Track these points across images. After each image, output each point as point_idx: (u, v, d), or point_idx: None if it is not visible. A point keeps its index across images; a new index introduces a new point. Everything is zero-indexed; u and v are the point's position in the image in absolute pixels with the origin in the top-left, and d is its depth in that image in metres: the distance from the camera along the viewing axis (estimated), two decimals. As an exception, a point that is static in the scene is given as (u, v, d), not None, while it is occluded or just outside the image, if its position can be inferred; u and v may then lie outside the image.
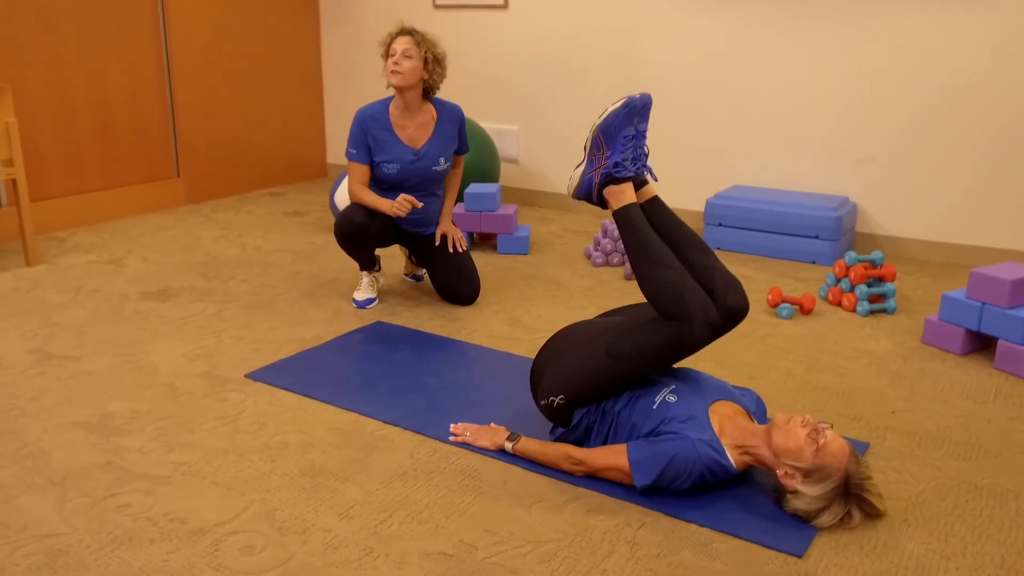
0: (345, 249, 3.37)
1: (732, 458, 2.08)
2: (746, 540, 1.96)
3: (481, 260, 4.13)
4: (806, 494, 1.97)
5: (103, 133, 4.79)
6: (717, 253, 4.30)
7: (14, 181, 3.81)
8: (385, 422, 2.50)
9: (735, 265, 4.13)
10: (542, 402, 2.31)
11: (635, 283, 3.83)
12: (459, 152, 3.50)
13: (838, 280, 3.59)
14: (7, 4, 4.24)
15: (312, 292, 3.64)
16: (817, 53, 4.35)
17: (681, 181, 4.87)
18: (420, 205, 3.21)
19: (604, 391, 2.22)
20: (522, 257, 4.22)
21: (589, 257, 4.13)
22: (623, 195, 2.22)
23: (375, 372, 2.84)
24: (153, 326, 3.25)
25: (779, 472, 2.02)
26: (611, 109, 2.20)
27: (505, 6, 5.16)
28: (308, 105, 5.95)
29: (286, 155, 5.85)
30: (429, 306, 3.50)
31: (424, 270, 3.75)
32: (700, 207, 4.79)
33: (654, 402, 2.16)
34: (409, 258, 3.80)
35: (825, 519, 1.97)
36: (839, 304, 3.55)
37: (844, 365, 2.96)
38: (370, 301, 3.46)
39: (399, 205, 3.18)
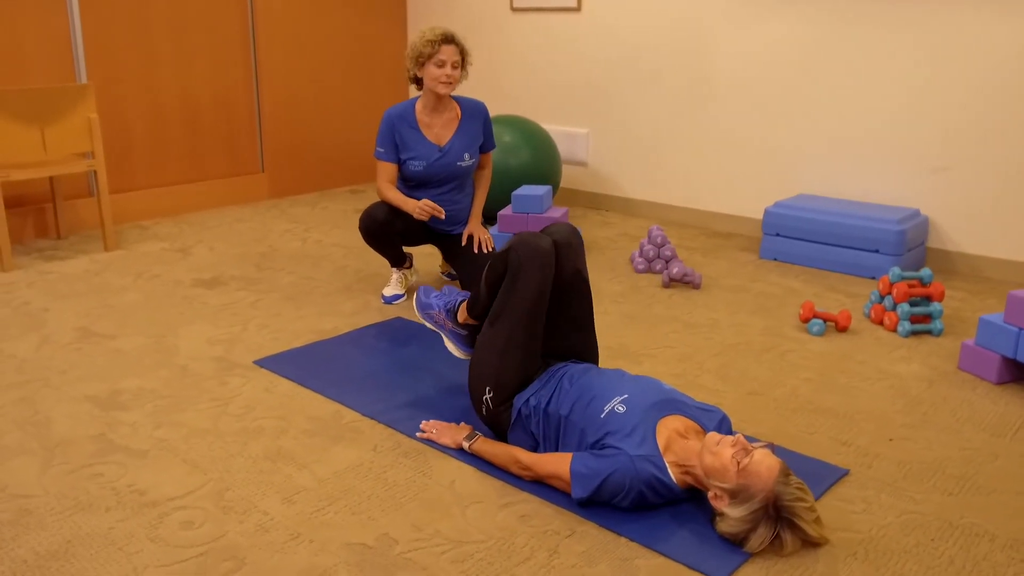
0: (370, 245, 3.47)
1: (674, 476, 2.02)
2: (670, 558, 1.90)
3: (524, 262, 4.14)
4: (730, 516, 1.89)
5: (192, 129, 5.11)
6: (773, 264, 4.16)
7: (95, 172, 4.13)
8: (363, 414, 2.57)
9: (787, 277, 3.96)
10: (482, 411, 2.33)
11: (672, 290, 3.74)
12: (485, 150, 3.54)
13: (882, 297, 3.38)
14: (106, 7, 4.61)
15: (349, 286, 3.77)
16: (890, 57, 4.10)
17: (748, 187, 4.71)
18: (443, 215, 3.26)
19: (516, 366, 2.27)
20: (567, 260, 4.20)
21: (633, 262, 4.06)
22: (463, 309, 2.56)
23: (374, 366, 2.91)
24: (194, 311, 3.46)
25: (708, 494, 1.95)
26: (415, 305, 2.70)
27: (578, 8, 5.14)
28: (394, 104, 6.12)
29: (370, 153, 6.05)
30: (453, 305, 3.54)
31: (459, 269, 3.81)
32: (761, 215, 4.61)
33: (602, 410, 2.12)
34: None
35: (753, 543, 1.88)
36: (881, 323, 3.35)
37: (859, 387, 2.80)
38: (397, 297, 3.55)
39: (422, 209, 3.24)
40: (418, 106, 3.41)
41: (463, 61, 3.33)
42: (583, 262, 2.39)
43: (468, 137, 3.45)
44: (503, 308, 2.29)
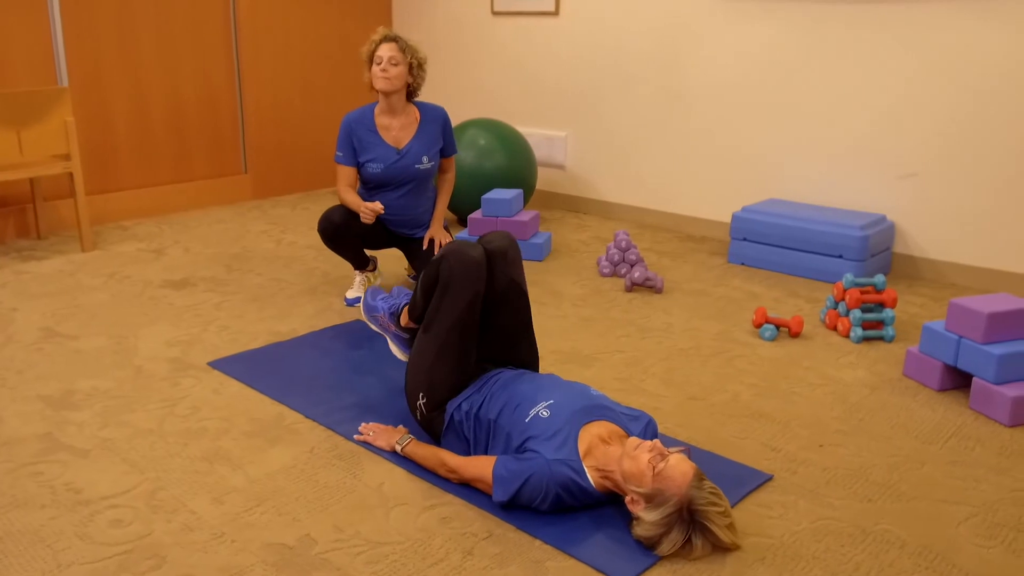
0: (329, 248, 3.52)
1: (593, 480, 2.06)
2: (580, 561, 1.94)
3: (492, 265, 4.19)
4: (645, 520, 1.93)
5: (176, 130, 5.18)
6: (739, 268, 4.18)
7: (71, 174, 4.21)
8: (305, 416, 2.62)
9: (751, 282, 3.99)
10: (416, 415, 2.38)
11: (633, 294, 3.77)
12: (446, 154, 3.58)
13: (837, 303, 3.40)
14: (91, 10, 4.68)
15: (315, 288, 3.82)
16: (864, 63, 4.12)
17: (722, 191, 4.74)
18: (382, 210, 3.30)
19: (448, 374, 2.31)
20: (535, 263, 4.24)
21: (599, 266, 4.10)
22: (405, 313, 2.65)
23: (324, 368, 2.97)
24: (158, 312, 3.52)
25: (626, 498, 1.99)
26: (362, 307, 2.85)
27: (556, 13, 5.18)
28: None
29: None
30: (414, 307, 3.59)
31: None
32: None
33: (527, 415, 2.17)
34: (411, 260, 3.92)
35: (664, 547, 1.92)
36: (835, 328, 3.37)
37: (801, 392, 2.83)
38: (358, 300, 3.60)
39: (363, 213, 3.30)
40: (376, 110, 3.47)
41: (407, 60, 3.37)
42: (519, 272, 2.43)
43: (427, 140, 3.49)
44: (435, 316, 2.34)
